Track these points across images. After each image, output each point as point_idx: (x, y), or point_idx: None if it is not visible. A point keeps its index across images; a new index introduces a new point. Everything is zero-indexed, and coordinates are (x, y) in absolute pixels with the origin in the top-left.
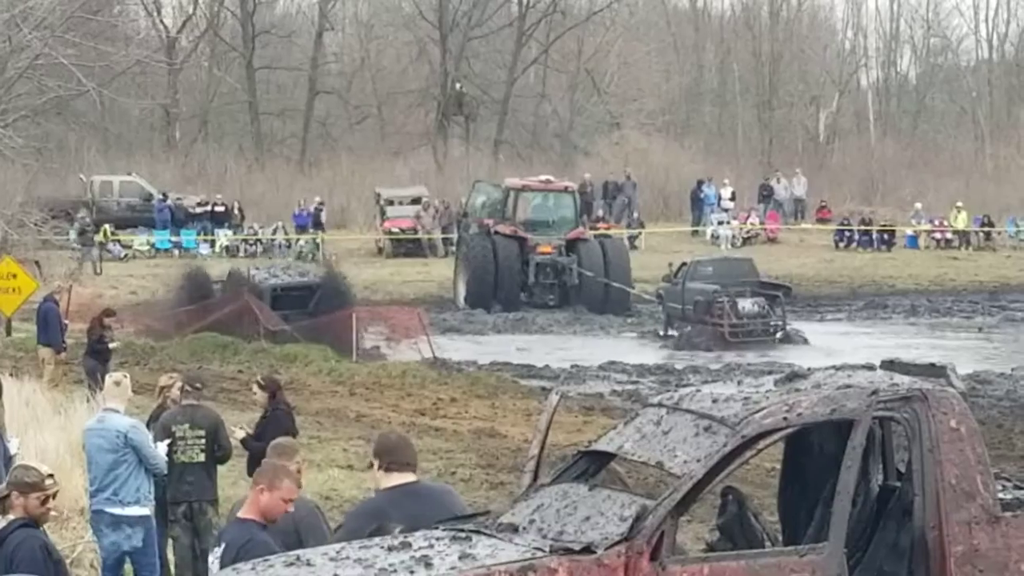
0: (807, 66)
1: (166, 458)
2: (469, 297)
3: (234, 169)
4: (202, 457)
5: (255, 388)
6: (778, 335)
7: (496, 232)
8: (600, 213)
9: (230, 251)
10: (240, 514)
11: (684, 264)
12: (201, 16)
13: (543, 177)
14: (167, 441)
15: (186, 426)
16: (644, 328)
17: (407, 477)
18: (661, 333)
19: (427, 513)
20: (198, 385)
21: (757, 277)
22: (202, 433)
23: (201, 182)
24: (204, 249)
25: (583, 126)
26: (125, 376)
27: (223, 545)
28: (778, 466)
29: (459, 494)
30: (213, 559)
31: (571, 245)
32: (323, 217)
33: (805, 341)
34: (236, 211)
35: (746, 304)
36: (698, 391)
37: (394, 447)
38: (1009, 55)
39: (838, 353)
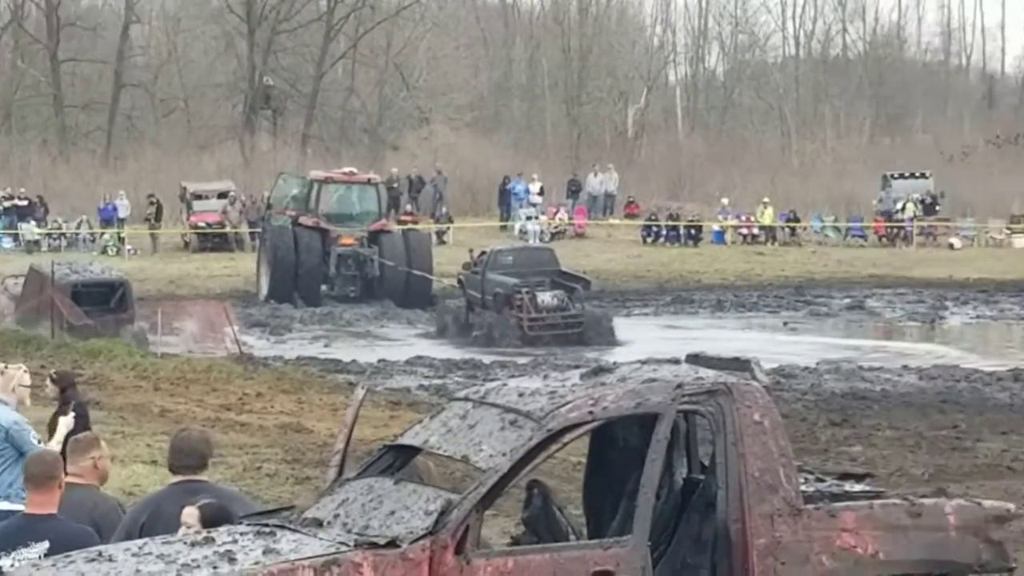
0: (616, 62)
1: None
2: (271, 290)
3: (38, 162)
4: None
5: (48, 382)
6: (577, 329)
7: (298, 224)
8: (408, 207)
9: (35, 245)
10: (39, 511)
11: (484, 253)
12: (5, 8)
13: (347, 169)
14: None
15: None
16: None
17: (192, 476)
18: (462, 320)
19: None
20: None
21: (557, 267)
22: None
23: (4, 175)
24: (7, 243)
25: (392, 120)
26: (6, 366)
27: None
28: (584, 459)
29: (250, 501)
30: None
31: (374, 237)
32: (125, 211)
33: (612, 335)
34: (39, 205)
35: (545, 297)
36: (504, 385)
37: (179, 448)
38: (815, 52)
39: (645, 348)
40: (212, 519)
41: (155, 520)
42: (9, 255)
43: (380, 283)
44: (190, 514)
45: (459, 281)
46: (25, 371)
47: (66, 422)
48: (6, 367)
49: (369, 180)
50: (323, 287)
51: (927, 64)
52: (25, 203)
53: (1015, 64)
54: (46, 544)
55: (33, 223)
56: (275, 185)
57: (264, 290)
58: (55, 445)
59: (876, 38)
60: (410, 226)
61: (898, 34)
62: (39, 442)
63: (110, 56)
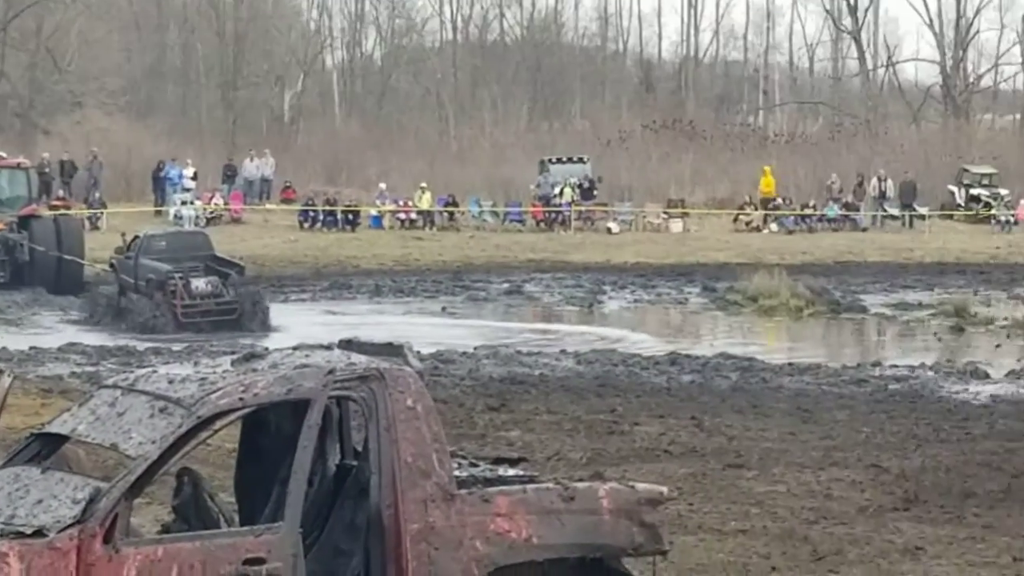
0: (272, 46)
1: None
2: None
3: None
4: None
5: None
6: (231, 315)
7: None
8: (60, 193)
9: None
10: None
11: (137, 237)
12: None
13: None
14: None
15: None
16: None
17: None
18: (115, 305)
19: None
20: None
21: (212, 252)
22: None
23: None
24: None
25: (43, 105)
26: None
27: None
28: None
29: None
30: None
31: (24, 222)
32: None
33: (268, 321)
34: None
35: (199, 284)
36: (155, 372)
37: None
38: (473, 37)
39: (302, 333)
40: None
41: None
42: None
43: (31, 269)
44: None
45: (111, 265)
46: None
47: None
48: None
49: (19, 165)
50: None
51: (584, 49)
52: None
53: (672, 50)
54: None
55: None
56: None
57: None
58: None
59: (534, 23)
60: (62, 211)
61: (555, 19)
62: None
63: None
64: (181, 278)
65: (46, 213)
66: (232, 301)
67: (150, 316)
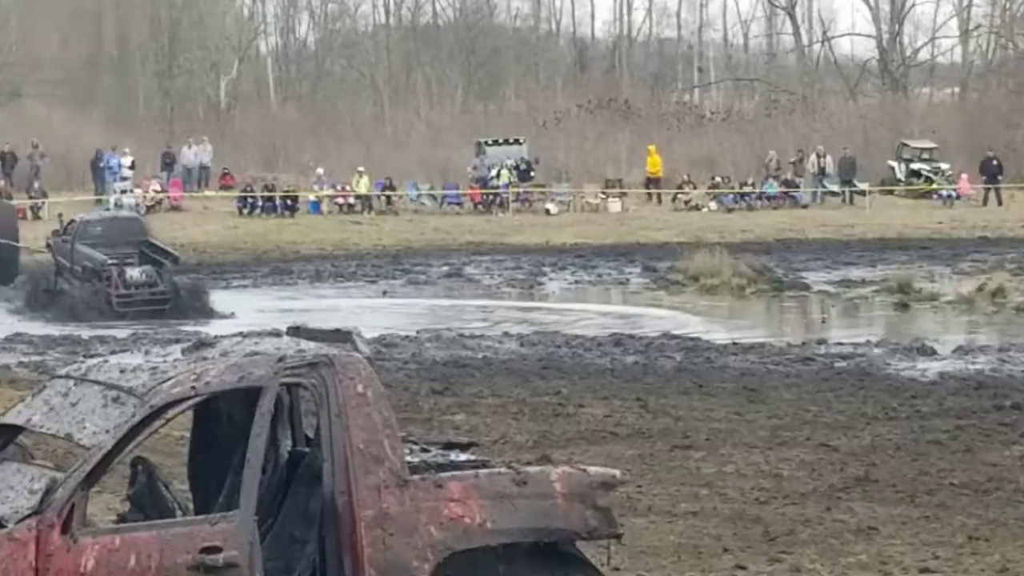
0: (206, 33)
1: None
2: None
3: None
4: None
5: None
6: (165, 305)
7: None
8: (1, 183)
9: None
10: None
11: (73, 221)
12: None
13: None
14: None
15: None
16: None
17: None
18: (51, 287)
19: None
20: None
21: (147, 237)
22: None
23: None
24: None
25: None
26: None
27: None
28: (188, 434)
29: None
30: None
31: None
32: None
33: (209, 308)
34: None
35: (134, 273)
36: (106, 362)
37: None
38: (406, 20)
39: (245, 320)
40: None
41: None
42: None
43: None
44: None
45: (48, 246)
46: None
47: None
48: None
49: None
50: None
51: (518, 30)
52: None
53: (605, 29)
54: None
55: None
56: None
57: None
58: None
59: (466, 5)
60: None
61: (487, 1)
62: None
63: None
64: (116, 267)
65: None
66: (166, 291)
67: (84, 303)
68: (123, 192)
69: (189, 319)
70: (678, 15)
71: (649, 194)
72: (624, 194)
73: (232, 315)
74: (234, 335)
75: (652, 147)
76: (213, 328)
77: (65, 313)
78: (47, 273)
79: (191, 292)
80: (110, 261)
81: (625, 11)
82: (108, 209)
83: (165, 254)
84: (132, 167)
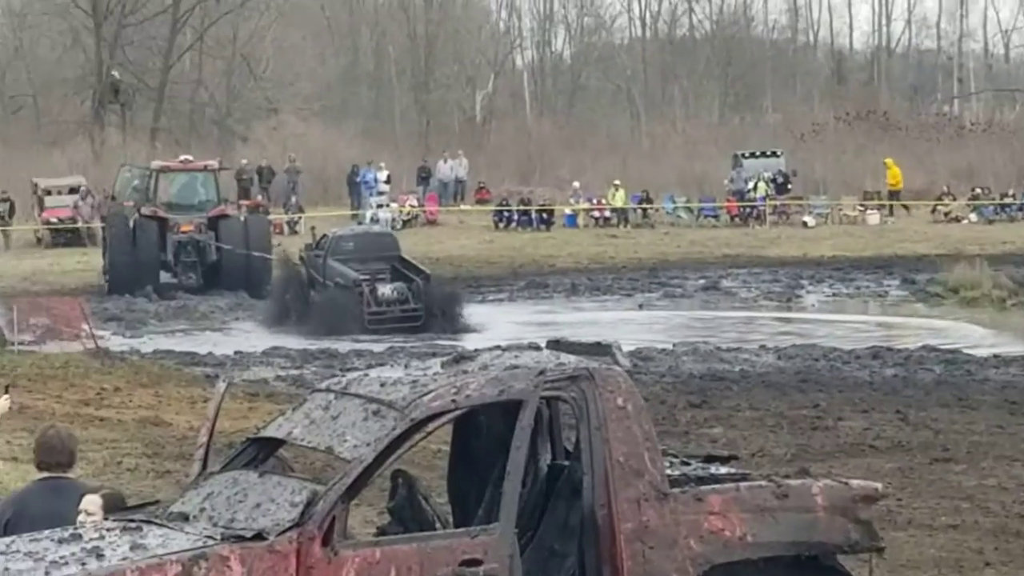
0: (462, 47)
1: None
2: (110, 281)
3: None
4: None
5: None
6: (416, 322)
7: (138, 214)
8: (259, 198)
9: None
10: None
11: (325, 236)
12: None
13: (183, 157)
14: None
15: None
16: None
17: (58, 473)
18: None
19: (68, 506)
20: None
21: (398, 252)
22: None
23: None
24: None
25: (240, 111)
26: None
27: None
28: (445, 447)
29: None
30: None
31: (213, 223)
32: None
33: (462, 322)
34: None
35: (386, 290)
36: (366, 375)
37: (49, 445)
38: (662, 33)
39: (502, 334)
40: (113, 507)
41: (20, 517)
42: None
43: (220, 269)
44: (92, 502)
45: (301, 259)
46: None
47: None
48: None
49: (206, 167)
50: (167, 276)
51: (775, 42)
52: None
53: (863, 40)
54: None
55: None
56: (117, 177)
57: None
58: None
59: (723, 17)
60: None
61: (745, 12)
62: None
63: None
64: (368, 284)
65: (234, 213)
66: (417, 308)
67: (337, 320)
68: (379, 207)
69: (447, 333)
70: (937, 26)
71: (905, 206)
72: (883, 206)
73: (485, 329)
74: (493, 348)
75: (889, 160)
76: (471, 342)
77: (317, 327)
78: (299, 286)
79: (444, 309)
80: (362, 278)
81: (884, 22)
82: (361, 223)
83: (416, 271)
84: (388, 181)
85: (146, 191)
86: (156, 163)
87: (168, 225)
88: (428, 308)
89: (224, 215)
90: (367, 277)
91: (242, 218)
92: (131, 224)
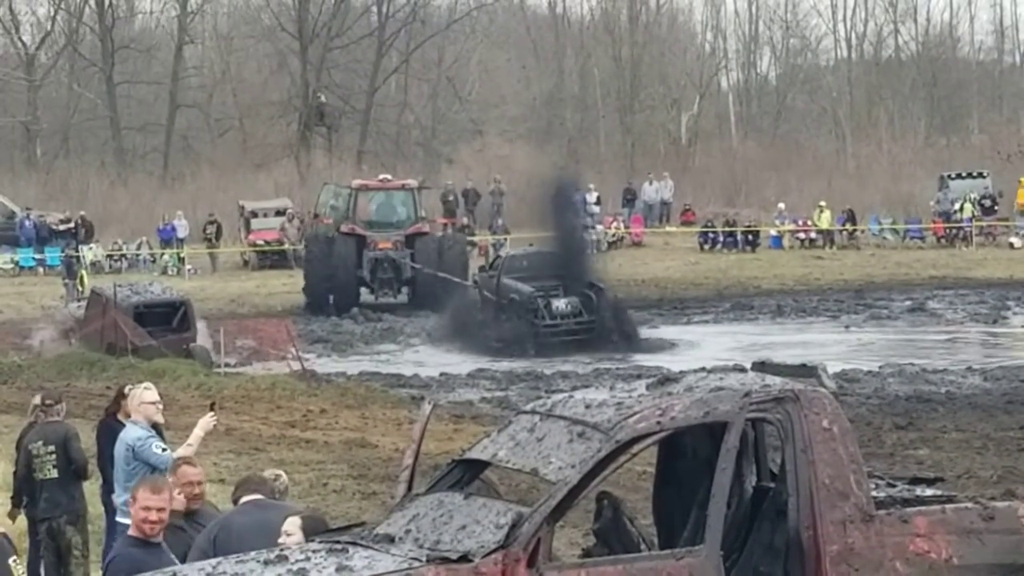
0: (667, 69)
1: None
2: (308, 297)
3: (97, 185)
4: (55, 473)
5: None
6: (590, 335)
7: (337, 231)
8: (464, 220)
9: (95, 267)
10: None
11: (499, 256)
12: (60, 32)
13: (382, 176)
14: None
15: (40, 443)
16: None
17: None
18: (476, 319)
19: (272, 518)
20: (49, 402)
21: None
22: (52, 449)
23: (63, 198)
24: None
25: (446, 134)
26: (130, 387)
27: None
28: (649, 469)
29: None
30: None
31: (410, 241)
32: (184, 232)
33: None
34: (81, 227)
35: (560, 304)
36: (571, 397)
37: (245, 481)
38: (868, 54)
39: (707, 355)
40: (313, 529)
41: (227, 537)
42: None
43: (415, 286)
44: (292, 523)
45: (474, 282)
46: (147, 388)
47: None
48: (130, 388)
49: (404, 186)
50: (366, 293)
51: (981, 63)
52: (70, 226)
53: None
54: None
55: (93, 245)
56: (319, 196)
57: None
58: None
59: (928, 38)
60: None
61: (950, 33)
62: (163, 451)
63: (165, 77)
64: (543, 299)
65: (430, 231)
66: (591, 321)
67: (513, 336)
68: (586, 228)
69: (651, 353)
70: None
71: None
72: None
73: (694, 350)
74: (698, 370)
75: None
76: (674, 364)
77: (492, 343)
78: (472, 308)
79: (618, 322)
80: (536, 293)
81: None
82: None
83: (590, 284)
84: (598, 203)
85: (346, 209)
86: (356, 182)
87: (366, 242)
88: (601, 321)
89: (421, 233)
90: (541, 292)
91: (439, 235)
92: (330, 241)
